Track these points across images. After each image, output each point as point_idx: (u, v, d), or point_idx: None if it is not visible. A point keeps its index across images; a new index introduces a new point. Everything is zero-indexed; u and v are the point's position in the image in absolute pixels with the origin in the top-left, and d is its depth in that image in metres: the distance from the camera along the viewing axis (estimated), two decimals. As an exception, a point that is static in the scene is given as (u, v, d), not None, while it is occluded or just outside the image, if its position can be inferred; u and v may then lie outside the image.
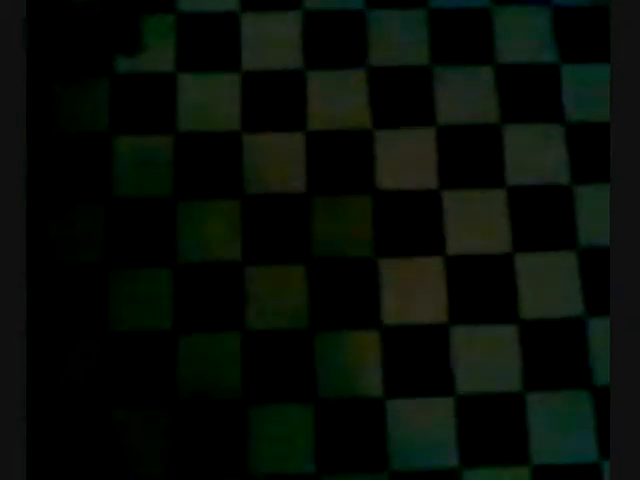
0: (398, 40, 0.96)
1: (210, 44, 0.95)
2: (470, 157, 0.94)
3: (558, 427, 0.89)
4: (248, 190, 0.92)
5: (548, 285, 0.92)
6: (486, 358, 0.89)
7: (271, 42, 0.96)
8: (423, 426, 0.87)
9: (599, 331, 0.91)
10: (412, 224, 0.92)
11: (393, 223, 0.92)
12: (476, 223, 0.93)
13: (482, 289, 0.91)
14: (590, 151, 0.95)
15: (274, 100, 0.95)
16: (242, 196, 0.92)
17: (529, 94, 0.96)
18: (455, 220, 0.93)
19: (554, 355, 0.90)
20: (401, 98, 0.95)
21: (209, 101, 0.94)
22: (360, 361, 0.88)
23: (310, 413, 0.87)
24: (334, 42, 0.96)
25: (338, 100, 0.95)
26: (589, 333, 0.91)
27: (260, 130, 0.94)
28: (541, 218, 0.93)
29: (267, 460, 0.86)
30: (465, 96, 0.95)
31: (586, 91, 0.96)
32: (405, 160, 0.94)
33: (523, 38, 0.97)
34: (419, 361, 0.89)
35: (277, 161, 0.93)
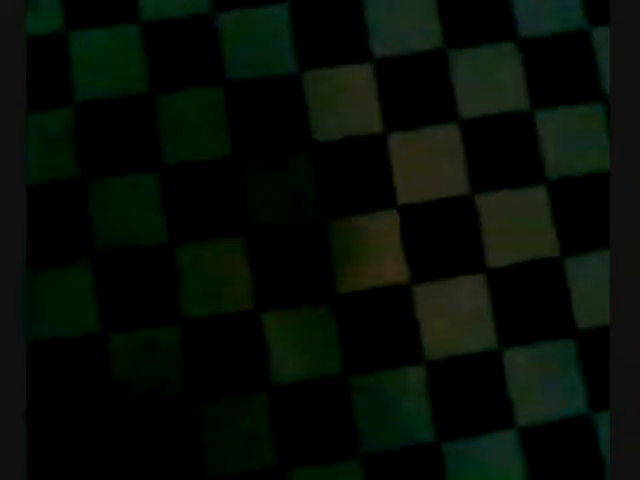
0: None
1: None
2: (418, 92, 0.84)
3: (544, 379, 0.81)
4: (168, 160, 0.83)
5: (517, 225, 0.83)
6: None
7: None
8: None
9: (578, 274, 0.83)
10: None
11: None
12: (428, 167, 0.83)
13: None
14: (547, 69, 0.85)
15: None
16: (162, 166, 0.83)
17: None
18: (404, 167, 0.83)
19: (532, 308, 0.82)
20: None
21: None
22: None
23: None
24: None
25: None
26: (568, 277, 0.83)
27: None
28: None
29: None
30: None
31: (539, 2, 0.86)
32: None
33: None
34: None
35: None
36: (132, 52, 0.84)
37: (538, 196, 0.84)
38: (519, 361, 0.81)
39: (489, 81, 0.85)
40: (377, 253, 0.82)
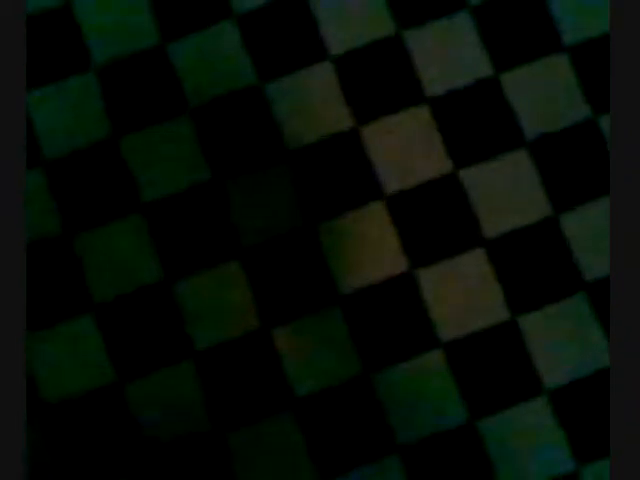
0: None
1: None
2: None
3: (563, 338, 0.80)
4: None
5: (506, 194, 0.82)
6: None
7: None
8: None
9: (575, 227, 0.82)
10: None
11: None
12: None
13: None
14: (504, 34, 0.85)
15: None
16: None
17: None
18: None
19: (537, 271, 0.82)
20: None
21: None
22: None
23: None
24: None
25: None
26: (566, 233, 0.82)
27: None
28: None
29: None
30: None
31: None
32: None
33: None
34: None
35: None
36: (90, 100, 0.84)
37: (521, 159, 0.83)
38: (534, 326, 0.81)
39: (448, 56, 0.85)
40: (373, 247, 0.82)
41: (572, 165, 0.83)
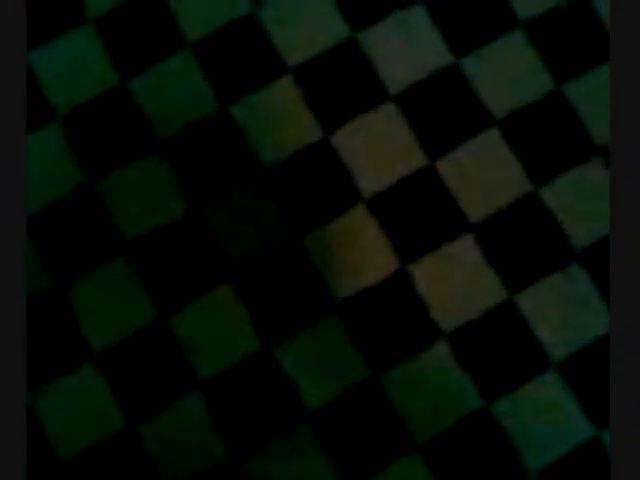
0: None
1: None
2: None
3: (563, 309, 0.80)
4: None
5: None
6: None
7: None
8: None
9: (555, 198, 0.82)
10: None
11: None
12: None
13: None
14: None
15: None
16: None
17: None
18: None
19: (527, 247, 0.82)
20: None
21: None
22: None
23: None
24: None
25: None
26: (548, 205, 0.82)
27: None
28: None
29: None
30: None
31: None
32: None
33: None
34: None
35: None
36: (59, 153, 0.84)
37: (494, 139, 0.83)
38: (533, 302, 0.80)
39: (406, 49, 0.85)
40: (362, 250, 0.81)
41: (544, 137, 0.83)
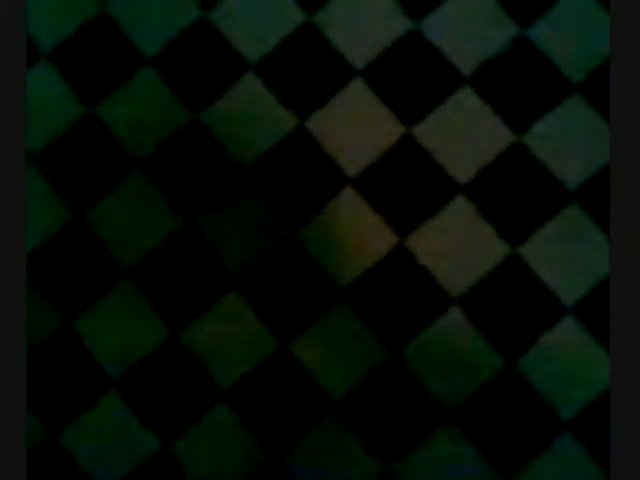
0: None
1: None
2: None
3: (567, 252, 0.80)
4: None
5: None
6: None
7: None
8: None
9: (541, 142, 0.81)
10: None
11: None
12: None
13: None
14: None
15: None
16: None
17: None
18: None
19: (520, 197, 0.81)
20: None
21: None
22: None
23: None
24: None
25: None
26: (536, 154, 0.81)
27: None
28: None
29: None
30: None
31: None
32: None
33: None
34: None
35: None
36: (43, 193, 0.84)
37: (466, 97, 0.82)
38: (536, 251, 0.80)
39: (363, 22, 0.84)
40: (357, 233, 0.81)
41: (517, 85, 0.82)
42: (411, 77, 0.83)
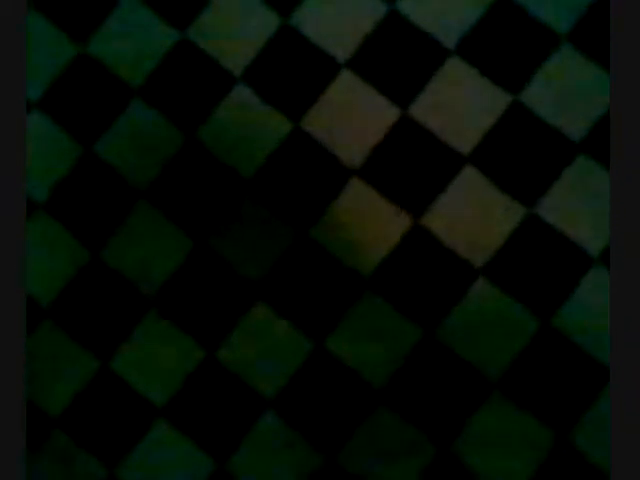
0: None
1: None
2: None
3: (583, 199, 0.79)
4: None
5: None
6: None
7: None
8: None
9: (539, 98, 0.81)
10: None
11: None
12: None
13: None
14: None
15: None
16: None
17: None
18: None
19: (525, 156, 0.81)
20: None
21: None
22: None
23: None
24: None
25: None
26: (535, 109, 0.81)
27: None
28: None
29: None
30: None
31: None
32: None
33: None
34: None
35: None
36: (57, 240, 0.84)
37: (456, 68, 0.82)
38: (553, 207, 0.80)
39: (339, 13, 0.84)
40: (372, 221, 0.81)
41: (503, 46, 0.82)
42: (396, 59, 0.83)
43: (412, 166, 0.81)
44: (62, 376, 0.82)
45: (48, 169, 0.85)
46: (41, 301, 0.82)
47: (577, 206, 0.79)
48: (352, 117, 0.82)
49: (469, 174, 0.81)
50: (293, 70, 0.84)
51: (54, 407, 0.81)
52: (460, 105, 0.81)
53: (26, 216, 0.84)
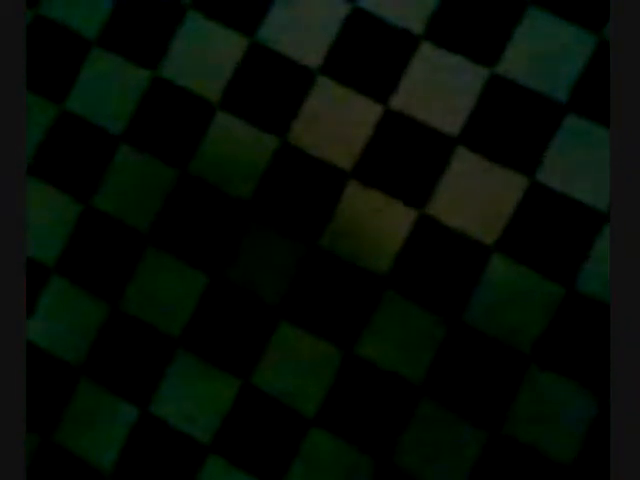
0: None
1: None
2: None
3: (582, 163, 0.79)
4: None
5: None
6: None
7: None
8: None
9: (519, 68, 0.80)
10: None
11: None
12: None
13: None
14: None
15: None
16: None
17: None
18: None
19: (518, 129, 0.80)
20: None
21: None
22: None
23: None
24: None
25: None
26: (516, 79, 0.80)
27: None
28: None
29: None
30: None
31: None
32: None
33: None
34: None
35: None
36: (70, 299, 0.84)
37: (429, 53, 0.81)
38: (555, 171, 0.79)
39: (303, 21, 0.83)
40: (376, 221, 0.81)
41: (472, 19, 0.81)
42: (368, 54, 0.82)
43: (406, 158, 0.81)
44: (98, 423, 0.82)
45: (51, 232, 0.85)
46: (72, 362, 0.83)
47: (575, 165, 0.79)
48: (336, 121, 0.82)
49: (463, 154, 0.80)
50: (270, 86, 0.83)
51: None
52: (438, 88, 0.81)
53: (40, 282, 0.85)
